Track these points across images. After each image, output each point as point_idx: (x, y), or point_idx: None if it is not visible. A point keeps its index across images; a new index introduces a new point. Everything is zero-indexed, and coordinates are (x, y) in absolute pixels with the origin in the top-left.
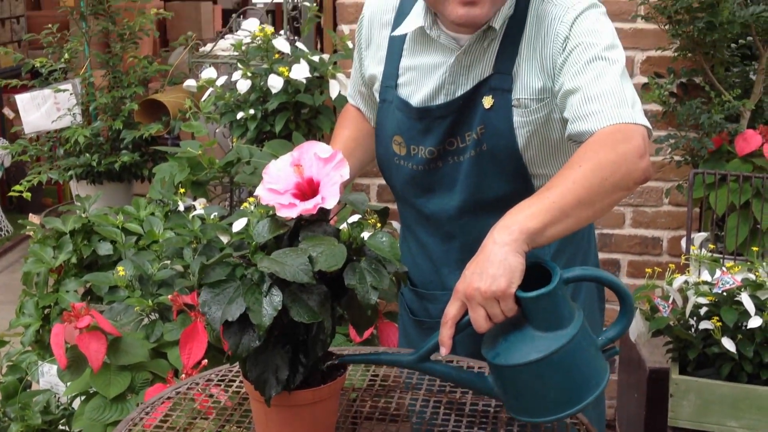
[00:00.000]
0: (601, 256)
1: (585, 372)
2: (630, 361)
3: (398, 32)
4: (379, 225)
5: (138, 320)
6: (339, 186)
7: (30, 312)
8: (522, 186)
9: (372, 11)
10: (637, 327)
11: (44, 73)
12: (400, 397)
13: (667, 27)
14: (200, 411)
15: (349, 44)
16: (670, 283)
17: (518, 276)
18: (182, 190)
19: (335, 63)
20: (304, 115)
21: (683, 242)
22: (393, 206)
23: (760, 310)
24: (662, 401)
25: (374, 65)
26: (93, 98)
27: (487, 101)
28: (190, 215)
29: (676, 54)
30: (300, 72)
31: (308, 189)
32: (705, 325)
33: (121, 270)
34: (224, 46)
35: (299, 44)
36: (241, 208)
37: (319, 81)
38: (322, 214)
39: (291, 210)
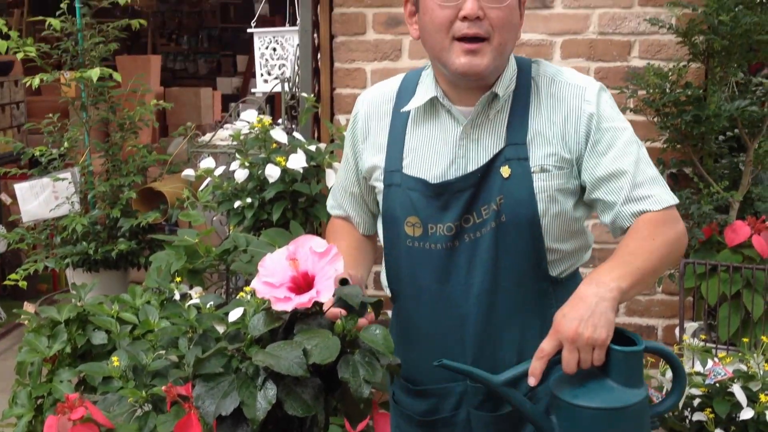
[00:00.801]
0: None
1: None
2: None
3: (409, 107)
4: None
5: (131, 411)
6: (333, 280)
7: (23, 402)
8: (536, 263)
9: (367, 107)
10: None
11: (44, 162)
12: None
13: (656, 119)
14: None
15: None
16: (663, 374)
17: (612, 331)
18: (178, 279)
19: (332, 152)
20: (301, 204)
21: (677, 331)
22: (381, 292)
23: (752, 401)
24: None
25: (373, 155)
26: (92, 186)
27: (505, 171)
28: (186, 304)
29: (665, 146)
30: (297, 161)
31: (303, 282)
32: (699, 416)
33: (115, 360)
34: (223, 135)
35: (296, 134)
36: (238, 296)
37: (316, 170)
38: (317, 306)
39: (286, 304)
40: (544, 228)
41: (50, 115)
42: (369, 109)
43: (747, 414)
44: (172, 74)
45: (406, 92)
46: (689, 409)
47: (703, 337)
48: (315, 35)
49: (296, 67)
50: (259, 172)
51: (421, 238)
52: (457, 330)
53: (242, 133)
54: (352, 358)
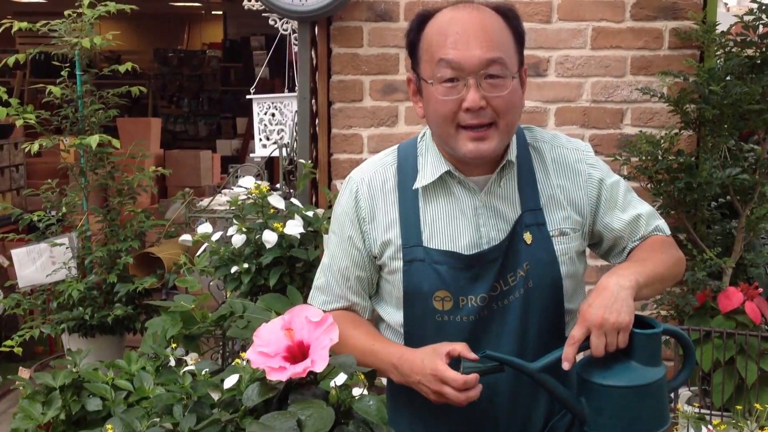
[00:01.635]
0: None
1: (664, 407)
2: None
3: (422, 183)
4: (366, 385)
5: None
6: (328, 349)
7: None
8: (556, 325)
9: (368, 186)
10: None
11: (41, 227)
12: None
13: (649, 186)
14: None
15: None
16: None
17: (634, 315)
18: (174, 345)
19: (329, 218)
20: (298, 269)
21: (672, 396)
22: None
23: None
24: None
25: (384, 232)
26: (89, 251)
27: (528, 237)
28: (182, 370)
29: (659, 212)
30: (294, 227)
31: (298, 352)
32: None
33: (109, 428)
34: (221, 200)
35: (294, 200)
36: (234, 362)
37: (313, 235)
38: (312, 375)
39: (281, 374)
40: (565, 289)
41: (49, 180)
42: (371, 188)
43: None
44: (173, 136)
45: (407, 168)
46: None
47: (696, 405)
48: (313, 102)
49: (294, 133)
50: (257, 237)
51: (452, 311)
52: (485, 399)
53: (240, 198)
54: (347, 429)
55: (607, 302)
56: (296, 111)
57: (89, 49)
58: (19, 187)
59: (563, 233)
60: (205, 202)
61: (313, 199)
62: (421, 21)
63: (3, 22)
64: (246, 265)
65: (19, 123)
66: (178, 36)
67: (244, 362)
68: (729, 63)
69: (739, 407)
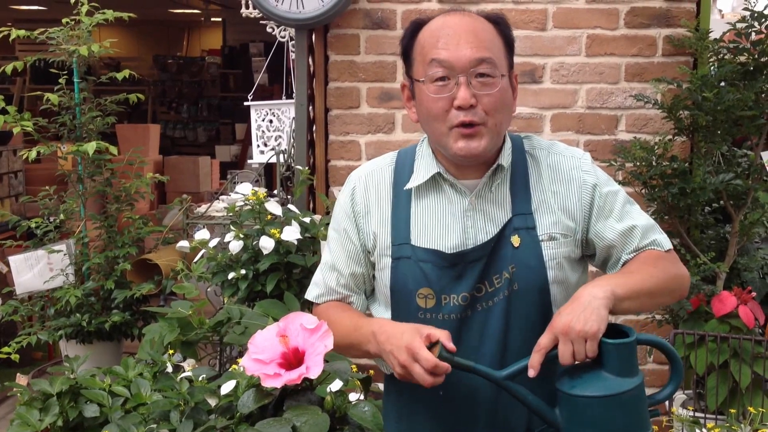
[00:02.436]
0: None
1: (640, 418)
2: None
3: (413, 184)
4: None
5: None
6: (323, 356)
7: None
8: (541, 331)
9: (365, 184)
10: None
11: (39, 233)
12: None
13: (643, 191)
14: None
15: None
16: None
17: (605, 326)
18: (171, 351)
19: (327, 224)
20: (295, 275)
21: (667, 401)
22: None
23: None
24: None
25: (377, 229)
26: (87, 258)
27: (515, 240)
28: (179, 377)
29: (653, 217)
30: (291, 233)
31: (293, 358)
32: None
33: None
34: (218, 207)
35: (291, 206)
36: (231, 369)
37: (310, 241)
38: (307, 381)
39: (276, 380)
40: (552, 296)
41: (47, 187)
42: (367, 186)
43: None
44: (172, 142)
45: (403, 169)
46: None
47: (690, 408)
48: (310, 108)
49: (292, 139)
50: (254, 243)
51: (434, 309)
52: (467, 399)
53: (237, 205)
54: None
55: (575, 311)
56: (294, 117)
57: (87, 57)
58: (17, 194)
59: (552, 238)
60: (202, 208)
61: (311, 206)
62: (414, 28)
63: (2, 29)
64: (243, 272)
65: (16, 130)
66: (178, 42)
67: (241, 368)
68: (722, 70)
69: (733, 410)
